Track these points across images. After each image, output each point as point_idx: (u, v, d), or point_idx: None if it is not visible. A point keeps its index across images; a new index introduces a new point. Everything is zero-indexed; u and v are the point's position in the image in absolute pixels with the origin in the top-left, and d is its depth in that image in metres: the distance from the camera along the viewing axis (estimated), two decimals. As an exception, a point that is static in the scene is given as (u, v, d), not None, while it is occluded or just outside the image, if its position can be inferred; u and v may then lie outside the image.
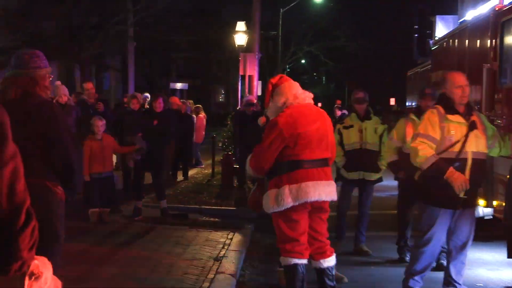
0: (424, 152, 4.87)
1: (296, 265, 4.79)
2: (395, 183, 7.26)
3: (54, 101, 7.91)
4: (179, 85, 37.20)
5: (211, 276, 5.60)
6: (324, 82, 54.16)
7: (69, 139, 3.71)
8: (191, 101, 15.44)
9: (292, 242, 4.77)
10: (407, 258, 6.66)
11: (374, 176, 7.09)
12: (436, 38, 13.04)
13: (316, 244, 4.92)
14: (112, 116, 9.79)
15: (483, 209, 7.48)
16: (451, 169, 4.81)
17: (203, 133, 16.16)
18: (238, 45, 18.89)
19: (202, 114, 16.23)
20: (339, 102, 17.72)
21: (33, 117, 3.62)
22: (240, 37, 18.82)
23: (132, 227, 7.90)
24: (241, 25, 19.09)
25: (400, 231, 6.87)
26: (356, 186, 7.25)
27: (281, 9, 36.48)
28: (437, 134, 4.90)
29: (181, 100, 14.34)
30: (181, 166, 13.38)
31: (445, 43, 11.12)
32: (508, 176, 6.08)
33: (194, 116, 15.55)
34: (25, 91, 3.68)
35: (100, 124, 8.18)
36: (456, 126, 4.93)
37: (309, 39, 40.82)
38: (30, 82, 3.69)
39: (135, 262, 6.06)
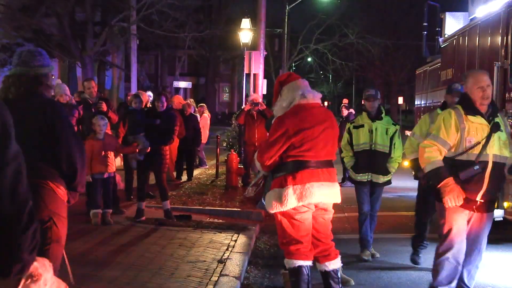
0: (430, 155, 4.80)
1: (300, 267, 4.78)
2: (403, 184, 7.25)
3: (55, 100, 7.92)
4: (182, 84, 37.23)
5: (215, 278, 5.60)
6: (331, 80, 54.11)
7: (72, 138, 3.72)
8: (191, 100, 15.44)
9: (295, 243, 4.77)
10: (420, 260, 6.62)
11: (383, 179, 6.92)
12: (446, 36, 12.99)
13: (320, 246, 4.91)
14: (115, 115, 9.78)
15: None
16: (448, 179, 4.71)
17: (208, 132, 16.18)
18: (243, 43, 18.89)
19: (206, 113, 16.24)
20: (346, 101, 17.66)
21: (36, 116, 3.63)
22: (245, 35, 18.82)
23: (134, 229, 7.91)
24: (246, 23, 19.09)
25: (417, 232, 6.77)
26: (367, 187, 7.06)
27: (287, 6, 36.46)
28: (450, 137, 4.78)
29: (186, 101, 14.33)
30: (185, 167, 13.39)
31: (455, 41, 11.09)
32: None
33: (198, 115, 15.56)
34: (28, 90, 3.69)
35: (102, 124, 8.18)
36: (477, 127, 4.78)
37: (316, 37, 40.78)
38: (33, 81, 3.70)
39: (138, 265, 6.07)
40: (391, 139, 6.89)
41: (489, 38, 8.77)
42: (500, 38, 8.15)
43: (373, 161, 6.82)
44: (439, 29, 14.28)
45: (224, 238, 7.37)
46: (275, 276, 6.20)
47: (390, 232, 8.34)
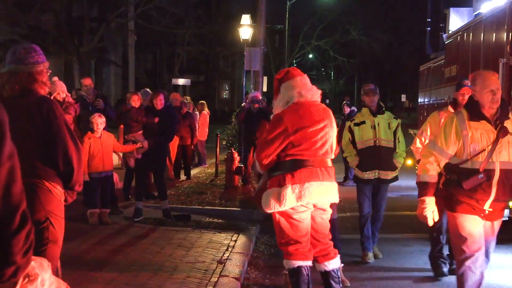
0: (424, 166, 4.64)
1: (300, 267, 4.78)
2: (406, 183, 7.21)
3: (51, 98, 7.91)
4: (181, 81, 37.03)
5: (214, 279, 5.60)
6: (332, 78, 54.11)
7: (69, 136, 3.71)
8: (187, 97, 15.43)
9: (294, 244, 4.77)
10: (445, 270, 6.25)
11: (391, 175, 6.83)
12: (450, 32, 12.98)
13: (318, 246, 4.91)
14: (113, 113, 9.79)
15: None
16: (426, 198, 4.57)
17: (207, 130, 16.18)
18: (243, 40, 18.88)
19: (206, 111, 16.25)
20: (348, 98, 17.64)
21: (32, 114, 3.62)
22: (245, 31, 18.82)
23: (132, 229, 7.91)
24: (246, 19, 19.09)
25: (433, 241, 6.40)
26: (372, 186, 7.00)
27: (288, 2, 36.45)
28: (449, 146, 4.55)
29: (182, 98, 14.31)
30: (183, 166, 13.39)
31: (459, 37, 11.08)
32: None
33: (198, 113, 15.56)
34: (23, 88, 3.68)
35: (99, 122, 8.18)
36: (482, 133, 4.51)
37: (317, 33, 40.77)
38: (28, 79, 3.69)
39: (136, 265, 6.07)
40: (394, 133, 6.84)
41: (494, 34, 8.76)
42: (505, 34, 8.14)
43: (379, 157, 6.73)
44: (443, 25, 14.28)
45: (223, 238, 7.37)
46: (275, 277, 6.21)
47: (393, 233, 8.34)
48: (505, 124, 4.53)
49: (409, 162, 7.86)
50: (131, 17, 21.85)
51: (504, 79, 7.90)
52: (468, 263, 4.59)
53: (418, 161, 6.32)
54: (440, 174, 4.73)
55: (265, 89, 18.90)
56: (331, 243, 5.01)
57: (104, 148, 8.21)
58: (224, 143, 16.33)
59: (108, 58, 29.94)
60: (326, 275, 4.95)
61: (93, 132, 8.20)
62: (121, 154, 10.29)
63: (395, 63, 48.85)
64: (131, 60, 22.61)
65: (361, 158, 6.82)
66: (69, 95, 9.37)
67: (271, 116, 5.00)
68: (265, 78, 19.20)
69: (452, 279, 5.47)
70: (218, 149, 14.06)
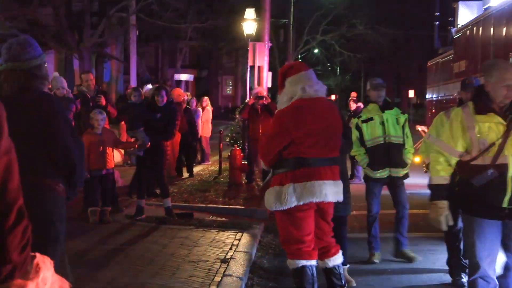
0: (436, 168, 4.47)
1: (304, 267, 4.77)
2: (413, 180, 7.15)
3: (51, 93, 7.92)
4: (184, 76, 37.18)
5: (218, 279, 5.60)
6: (338, 73, 54.03)
7: (70, 133, 3.71)
8: (188, 93, 15.44)
9: (297, 243, 4.75)
10: (464, 281, 5.93)
11: (402, 172, 6.75)
12: (459, 26, 12.96)
13: (321, 244, 4.91)
14: (114, 109, 9.79)
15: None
16: (437, 202, 4.38)
17: (211, 126, 16.19)
18: (247, 34, 18.86)
19: (209, 107, 16.25)
20: (354, 94, 17.60)
21: (32, 111, 3.62)
22: (249, 25, 18.79)
23: (134, 227, 7.92)
24: (250, 13, 19.06)
25: (449, 248, 6.16)
26: (383, 185, 6.91)
27: (293, -5, 36.38)
28: (458, 144, 4.35)
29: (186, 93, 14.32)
30: (185, 163, 13.39)
31: (468, 31, 11.05)
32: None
33: (200, 109, 15.57)
34: (22, 85, 3.67)
35: (100, 118, 8.19)
36: (490, 126, 4.28)
37: (322, 28, 40.69)
38: (26, 76, 3.67)
39: (138, 264, 6.08)
40: (403, 128, 6.76)
41: (504, 28, 8.74)
42: (516, 28, 8.11)
43: (390, 154, 6.63)
44: (452, 19, 14.24)
45: (227, 237, 7.37)
46: (280, 276, 6.21)
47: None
48: None
49: (417, 159, 7.80)
50: (133, 11, 21.84)
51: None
52: (480, 271, 4.39)
53: (427, 165, 6.15)
54: (454, 174, 4.49)
55: (269, 84, 18.86)
56: (333, 240, 5.00)
57: (104, 145, 8.22)
58: (227, 140, 16.34)
59: (109, 53, 29.95)
60: (328, 272, 4.96)
61: (94, 129, 8.20)
62: (122, 151, 10.33)
63: (402, 58, 48.72)
64: (133, 55, 22.60)
65: (371, 157, 6.72)
66: (70, 91, 9.39)
67: (275, 112, 5.00)
68: (270, 74, 19.16)
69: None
70: (221, 146, 14.07)
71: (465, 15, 13.12)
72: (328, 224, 4.96)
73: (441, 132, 4.76)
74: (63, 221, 3.78)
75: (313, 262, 4.82)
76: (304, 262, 4.77)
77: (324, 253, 4.93)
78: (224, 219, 8.73)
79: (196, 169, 13.96)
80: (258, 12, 18.62)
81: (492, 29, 9.34)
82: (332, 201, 4.83)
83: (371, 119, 6.72)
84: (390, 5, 45.77)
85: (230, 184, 11.76)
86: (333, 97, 49.83)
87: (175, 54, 42.06)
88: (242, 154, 12.56)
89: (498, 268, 4.61)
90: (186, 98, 13.56)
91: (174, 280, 5.53)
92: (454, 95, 11.58)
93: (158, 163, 8.63)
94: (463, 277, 5.96)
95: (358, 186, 9.23)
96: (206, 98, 16.57)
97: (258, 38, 18.27)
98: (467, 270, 5.86)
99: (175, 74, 41.44)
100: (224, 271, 5.83)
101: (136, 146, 8.65)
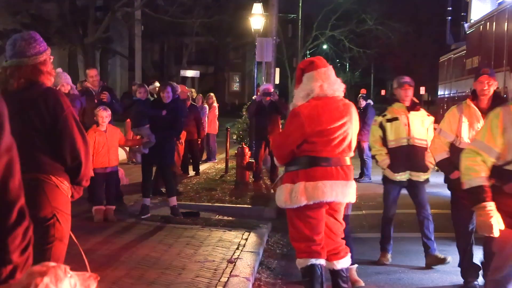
0: (474, 169, 4.16)
1: (313, 265, 4.79)
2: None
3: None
4: (190, 73, 37.05)
5: (224, 279, 5.61)
6: (348, 69, 53.96)
7: (77, 129, 3.72)
8: (193, 90, 15.44)
9: (307, 241, 4.78)
10: (476, 283, 5.90)
11: (423, 177, 6.58)
12: (472, 21, 12.90)
13: (330, 244, 4.93)
14: (119, 106, 9.79)
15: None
16: (485, 204, 4.06)
17: (217, 123, 16.20)
18: (254, 29, 18.85)
19: (215, 104, 16.26)
20: (363, 91, 17.58)
21: (38, 107, 3.63)
22: (257, 21, 18.78)
23: (139, 226, 7.94)
24: (257, 8, 19.05)
25: (461, 250, 6.04)
26: (402, 188, 6.77)
27: (301, -10, 36.33)
28: (497, 144, 4.10)
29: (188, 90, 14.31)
30: (191, 161, 13.40)
31: (481, 26, 11.00)
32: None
33: (207, 106, 15.57)
34: (29, 80, 3.69)
35: (104, 115, 8.20)
36: None
37: (331, 23, 40.61)
38: (32, 71, 3.69)
39: (143, 264, 6.09)
40: (428, 131, 6.61)
41: (518, 23, 8.69)
42: (530, 23, 8.07)
43: (412, 157, 6.43)
44: (465, 14, 14.18)
45: (234, 236, 7.38)
46: (288, 277, 6.21)
47: (411, 231, 8.30)
48: None
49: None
50: (138, 6, 21.87)
51: (529, 71, 7.83)
52: (496, 277, 4.23)
53: (438, 163, 5.99)
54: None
55: (277, 81, 18.86)
56: (343, 242, 5.03)
57: (109, 142, 8.24)
58: (234, 138, 16.34)
59: (113, 49, 30.01)
60: (335, 274, 4.99)
61: (98, 126, 8.22)
62: (127, 149, 10.33)
63: (413, 54, 48.58)
64: (138, 51, 22.63)
65: (392, 158, 6.58)
66: (74, 87, 9.40)
67: (290, 106, 4.99)
68: (277, 70, 19.16)
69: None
70: (228, 144, 14.07)
71: (478, 9, 13.05)
72: (340, 224, 4.97)
73: (478, 132, 4.46)
74: (68, 220, 3.78)
75: (322, 262, 4.84)
76: (313, 261, 4.79)
77: (333, 255, 4.94)
78: (230, 218, 8.74)
79: (203, 167, 13.97)
80: (266, 7, 18.60)
81: (506, 24, 9.29)
82: (344, 201, 4.84)
83: (395, 118, 6.57)
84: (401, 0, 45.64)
85: (237, 183, 11.76)
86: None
87: (181, 50, 42.09)
88: (249, 152, 12.55)
89: None
90: (189, 95, 13.58)
91: (180, 281, 5.54)
92: (467, 92, 11.53)
93: (164, 161, 8.65)
94: (475, 279, 5.93)
95: (367, 185, 9.25)
96: (212, 95, 16.56)
97: (265, 33, 18.26)
98: (480, 272, 5.90)
99: (180, 71, 41.43)
100: (231, 272, 5.84)
101: (141, 143, 8.66)
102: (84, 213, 8.22)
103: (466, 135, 5.70)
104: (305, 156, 4.72)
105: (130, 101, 9.94)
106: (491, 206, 4.05)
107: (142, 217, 8.43)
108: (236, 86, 53.83)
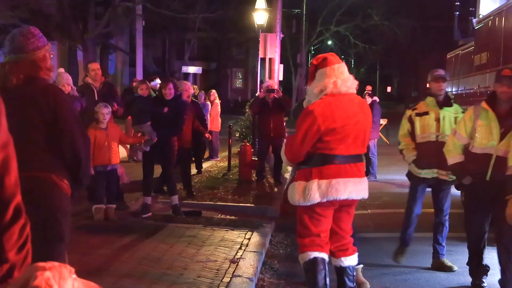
0: None
1: (316, 258, 4.85)
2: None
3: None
4: (192, 69, 37.12)
5: (227, 279, 5.62)
6: (353, 65, 53.92)
7: (76, 126, 3.73)
8: (195, 86, 15.43)
9: (312, 236, 4.86)
10: (484, 285, 5.94)
11: (451, 176, 6.34)
12: (481, 16, 12.85)
13: (340, 241, 4.99)
14: (120, 103, 9.78)
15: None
16: None
17: (220, 120, 16.20)
18: (258, 25, 18.83)
19: (217, 101, 16.25)
20: (369, 88, 17.53)
21: (38, 103, 3.63)
22: (260, 16, 18.76)
23: (140, 225, 7.94)
24: (261, 2, 19.02)
25: (472, 250, 6.05)
26: (427, 187, 6.68)
27: (305, -16, 36.29)
28: None
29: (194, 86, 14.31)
30: (193, 159, 13.40)
31: (490, 22, 10.97)
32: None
33: (209, 103, 15.57)
34: (28, 76, 3.69)
35: (105, 112, 8.20)
36: None
37: (336, 18, 40.56)
38: (32, 67, 3.69)
39: (144, 264, 6.10)
40: None
41: (528, 18, 8.66)
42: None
43: (440, 154, 6.24)
44: (473, 9, 14.14)
45: (237, 236, 7.39)
46: (291, 277, 6.21)
47: (419, 231, 8.28)
48: None
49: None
50: (139, 0, 21.84)
51: (538, 67, 7.80)
52: None
53: (451, 166, 5.93)
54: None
55: (281, 77, 18.83)
56: (351, 239, 5.09)
57: (110, 140, 8.23)
58: (237, 135, 16.35)
59: (114, 45, 30.00)
60: (341, 271, 5.03)
61: (99, 123, 8.22)
62: (128, 147, 10.35)
63: (420, 50, 48.49)
64: (139, 47, 22.61)
65: (419, 153, 6.52)
66: (75, 88, 9.39)
67: (304, 103, 4.99)
68: (281, 66, 19.13)
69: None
70: (230, 142, 14.07)
71: (487, 4, 12.99)
72: (349, 222, 5.04)
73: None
74: (68, 220, 3.79)
75: (325, 256, 4.90)
76: (316, 254, 4.85)
77: (341, 251, 4.99)
78: (233, 217, 8.74)
79: (205, 165, 13.98)
80: (270, 2, 18.58)
81: (515, 19, 9.26)
82: (357, 198, 4.89)
83: (426, 113, 6.50)
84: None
85: (240, 181, 11.77)
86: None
87: (183, 46, 42.09)
88: (252, 150, 12.55)
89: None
90: (192, 91, 13.55)
91: (182, 281, 5.54)
92: (475, 89, 11.49)
93: (165, 158, 8.65)
94: (484, 279, 5.95)
95: (372, 184, 9.20)
96: (213, 91, 16.53)
97: (269, 29, 18.24)
98: (488, 273, 5.91)
99: (182, 67, 41.47)
100: (234, 272, 5.85)
101: (143, 141, 8.66)
102: (84, 212, 8.23)
103: (479, 140, 5.65)
104: (318, 154, 4.76)
105: (132, 97, 9.93)
106: None
107: (143, 216, 8.44)
108: (239, 83, 53.81)
